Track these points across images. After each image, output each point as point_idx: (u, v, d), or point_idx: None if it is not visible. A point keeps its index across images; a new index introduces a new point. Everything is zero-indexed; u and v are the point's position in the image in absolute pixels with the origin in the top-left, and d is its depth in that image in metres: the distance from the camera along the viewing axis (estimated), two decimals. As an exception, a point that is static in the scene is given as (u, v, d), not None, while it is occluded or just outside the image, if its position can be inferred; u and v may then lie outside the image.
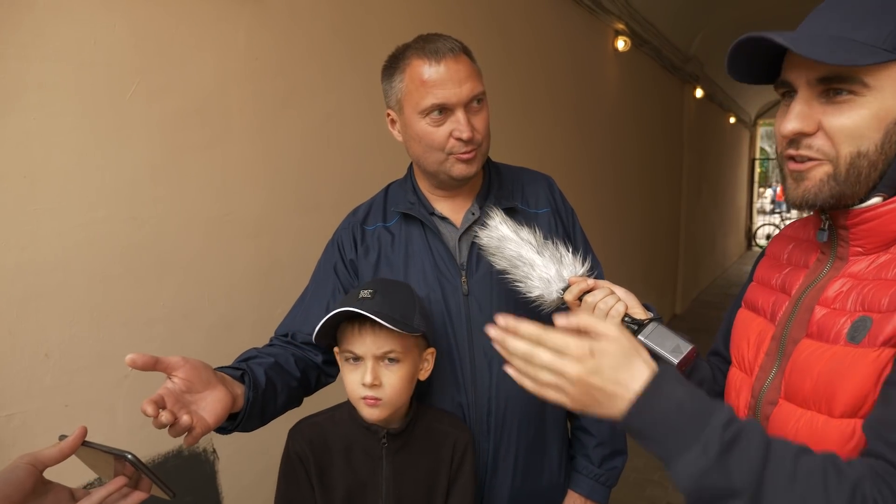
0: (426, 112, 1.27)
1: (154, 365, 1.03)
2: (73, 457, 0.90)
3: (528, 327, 0.80)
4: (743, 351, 1.00)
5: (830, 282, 0.88)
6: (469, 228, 1.38)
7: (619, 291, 1.10)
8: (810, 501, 0.67)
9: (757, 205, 17.49)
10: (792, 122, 0.83)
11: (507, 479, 1.37)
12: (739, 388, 1.00)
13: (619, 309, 1.05)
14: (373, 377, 1.16)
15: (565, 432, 1.49)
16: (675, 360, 0.98)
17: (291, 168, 2.12)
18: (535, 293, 1.14)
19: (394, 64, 1.33)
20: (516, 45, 3.57)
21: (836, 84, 0.80)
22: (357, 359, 1.18)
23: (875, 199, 0.83)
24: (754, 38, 0.80)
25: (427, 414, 1.30)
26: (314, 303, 1.40)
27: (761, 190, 22.67)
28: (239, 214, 1.94)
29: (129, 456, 0.87)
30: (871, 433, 0.73)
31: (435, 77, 1.25)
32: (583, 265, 1.13)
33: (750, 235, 15.26)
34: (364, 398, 1.17)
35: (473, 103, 1.29)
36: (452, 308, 1.34)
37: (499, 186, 1.43)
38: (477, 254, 1.35)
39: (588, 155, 4.75)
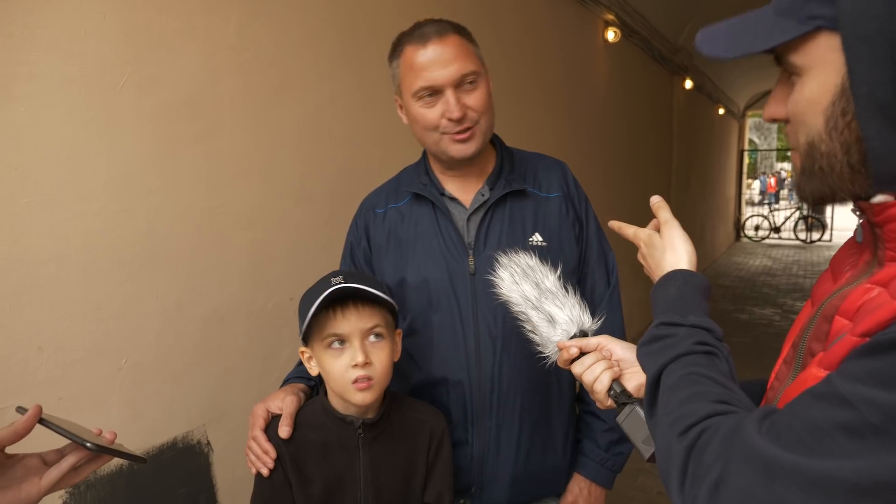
0: (418, 95, 1.32)
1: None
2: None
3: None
4: (786, 348, 0.85)
5: (857, 288, 0.71)
6: (478, 209, 1.41)
7: (617, 349, 1.01)
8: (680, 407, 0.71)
9: (745, 196, 17.58)
10: (766, 106, 0.76)
11: (510, 458, 1.39)
12: (769, 389, 0.88)
13: (604, 381, 0.97)
14: (364, 355, 1.15)
15: (572, 415, 1.51)
16: (646, 455, 0.92)
17: (284, 160, 2.11)
18: (540, 349, 1.09)
19: (392, 51, 1.38)
20: (507, 36, 3.57)
21: (784, 66, 0.70)
22: (342, 342, 1.18)
23: (881, 198, 0.68)
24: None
25: (401, 402, 1.30)
26: None
27: (749, 181, 22.83)
28: (232, 206, 1.94)
29: (89, 444, 0.87)
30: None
31: (423, 60, 1.30)
32: (575, 324, 1.05)
33: (738, 227, 15.36)
34: (356, 381, 1.15)
35: (465, 83, 1.31)
36: (458, 287, 1.37)
37: (510, 169, 1.45)
38: (485, 234, 1.38)
39: (578, 146, 4.76)
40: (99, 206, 1.58)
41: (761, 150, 26.78)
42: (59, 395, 1.52)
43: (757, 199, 23.14)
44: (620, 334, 1.46)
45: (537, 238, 1.41)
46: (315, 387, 1.35)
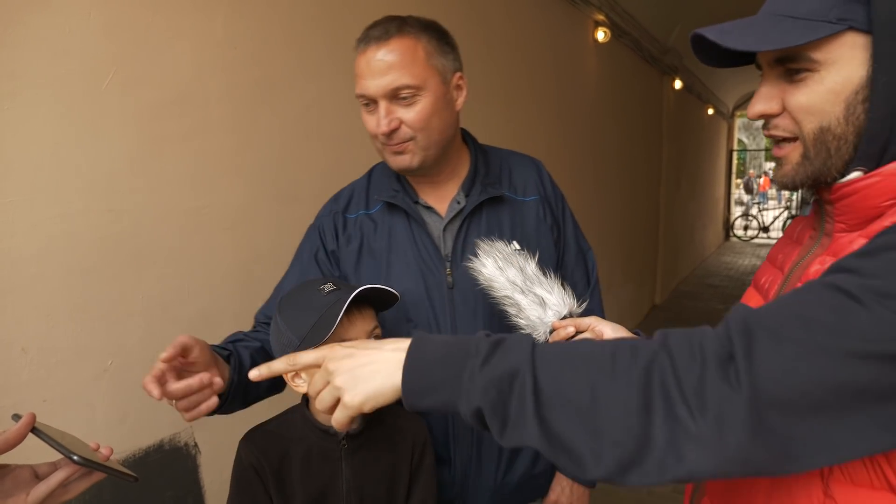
0: (360, 101, 1.26)
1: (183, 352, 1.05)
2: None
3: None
4: None
5: (814, 259, 0.85)
6: (454, 218, 1.35)
7: (608, 329, 1.03)
8: (589, 372, 0.68)
9: (734, 196, 17.68)
10: (756, 104, 0.83)
11: (492, 471, 1.38)
12: None
13: None
14: None
15: None
16: None
17: (271, 159, 2.10)
18: (528, 332, 1.08)
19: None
20: (497, 36, 3.57)
21: (790, 64, 0.78)
22: None
23: (854, 174, 0.80)
24: (697, 35, 0.80)
25: (383, 410, 1.27)
26: None
27: (738, 181, 22.96)
28: (218, 206, 1.92)
29: (76, 458, 0.84)
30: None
31: (361, 66, 1.23)
32: (566, 305, 1.06)
33: (728, 226, 15.44)
34: None
35: (401, 96, 1.20)
36: (436, 301, 1.32)
37: (485, 173, 1.38)
38: (462, 244, 1.32)
39: (569, 146, 4.76)
40: (83, 205, 1.56)
41: (751, 151, 26.95)
42: (44, 396, 1.51)
43: (745, 198, 23.30)
44: None
45: (515, 246, 1.37)
46: (231, 354, 1.21)
